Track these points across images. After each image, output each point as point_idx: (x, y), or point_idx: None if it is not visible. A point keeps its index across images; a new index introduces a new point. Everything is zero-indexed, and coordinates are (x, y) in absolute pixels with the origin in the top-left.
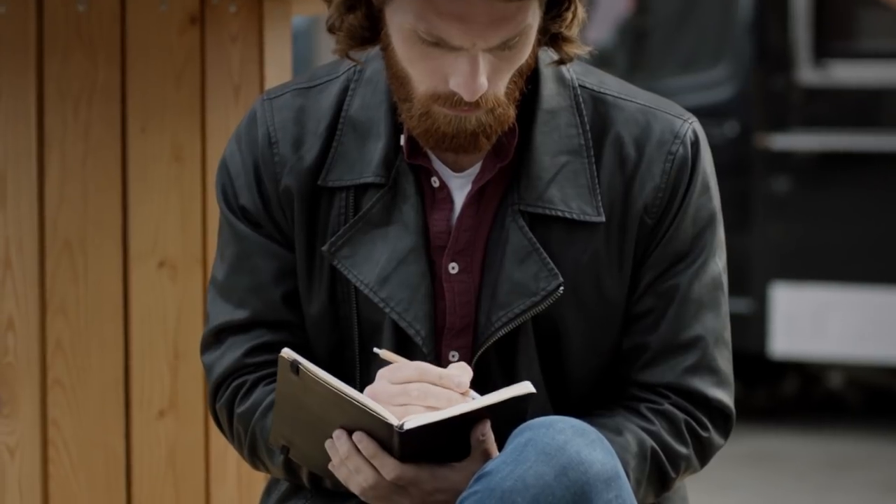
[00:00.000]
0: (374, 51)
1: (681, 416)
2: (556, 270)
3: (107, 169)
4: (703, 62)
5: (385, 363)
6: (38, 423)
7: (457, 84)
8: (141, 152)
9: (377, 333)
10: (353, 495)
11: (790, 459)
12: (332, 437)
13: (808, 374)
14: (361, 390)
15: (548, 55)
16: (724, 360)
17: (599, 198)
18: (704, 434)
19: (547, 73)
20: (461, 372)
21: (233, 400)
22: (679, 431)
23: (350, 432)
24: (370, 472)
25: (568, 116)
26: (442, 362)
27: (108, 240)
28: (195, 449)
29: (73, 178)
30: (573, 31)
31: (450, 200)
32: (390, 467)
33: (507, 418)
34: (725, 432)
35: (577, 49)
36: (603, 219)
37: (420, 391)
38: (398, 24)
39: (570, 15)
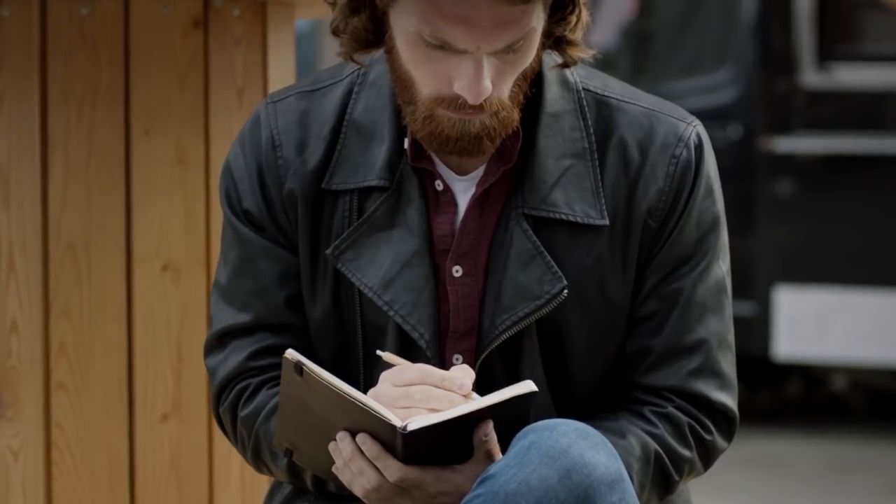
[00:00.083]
0: (378, 54)
1: (684, 419)
2: (560, 274)
3: (110, 171)
4: (706, 65)
5: (389, 366)
6: (42, 425)
7: (461, 87)
8: (144, 155)
9: (381, 337)
10: (356, 498)
11: (793, 462)
12: (335, 440)
13: (811, 376)
14: (365, 393)
15: (552, 58)
16: (728, 364)
17: (603, 201)
18: (708, 437)
19: (551, 77)
20: (463, 374)
21: (236, 403)
22: (682, 435)
23: (353, 434)
24: (373, 474)
25: (572, 120)
26: (446, 365)
27: (111, 242)
28: (198, 452)
29: (76, 179)
30: (577, 35)
31: (453, 203)
32: (393, 469)
33: (510, 418)
34: (729, 435)
35: (582, 52)
36: (607, 222)
37: (422, 394)
38: (402, 27)
39: (574, 18)
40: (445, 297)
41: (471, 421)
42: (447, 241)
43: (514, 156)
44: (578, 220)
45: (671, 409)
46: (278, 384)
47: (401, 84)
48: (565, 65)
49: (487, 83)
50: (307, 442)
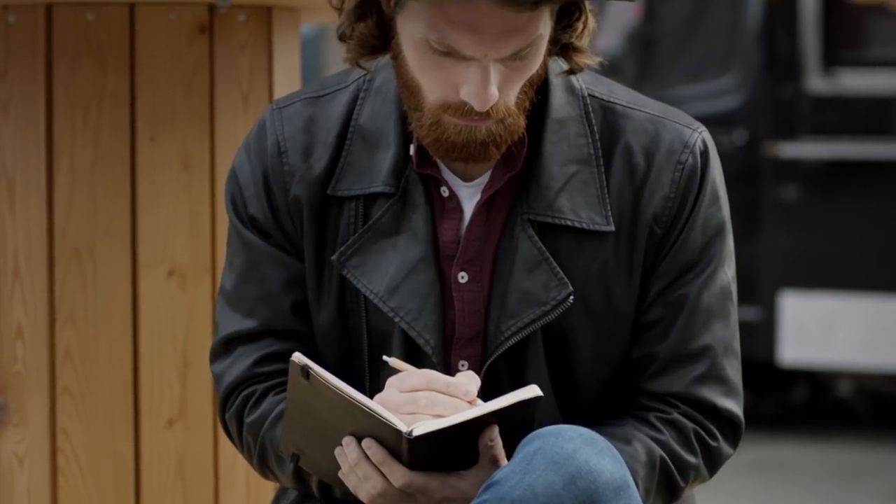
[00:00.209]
0: (384, 60)
1: (690, 425)
2: (566, 280)
3: (116, 176)
4: (711, 71)
5: (394, 371)
6: (47, 431)
7: (468, 94)
8: (150, 160)
9: (386, 343)
10: (362, 503)
11: (799, 468)
12: (341, 445)
13: (816, 382)
14: (371, 399)
15: (557, 65)
16: (733, 370)
17: (609, 207)
18: (713, 443)
19: (556, 83)
20: (469, 381)
21: (242, 409)
22: (688, 441)
23: (359, 439)
24: (379, 480)
25: (577, 126)
26: (451, 371)
27: (117, 248)
28: (204, 457)
29: (82, 185)
30: (584, 42)
31: (459, 210)
32: (399, 474)
33: (515, 424)
34: (734, 441)
35: (588, 59)
36: (612, 228)
37: (428, 399)
38: (409, 34)
39: (580, 25)
40: (451, 303)
41: (476, 426)
42: (452, 248)
43: (519, 162)
44: (584, 226)
45: (676, 416)
46: (284, 390)
47: (407, 90)
48: (571, 71)
49: (494, 90)
50: (313, 447)
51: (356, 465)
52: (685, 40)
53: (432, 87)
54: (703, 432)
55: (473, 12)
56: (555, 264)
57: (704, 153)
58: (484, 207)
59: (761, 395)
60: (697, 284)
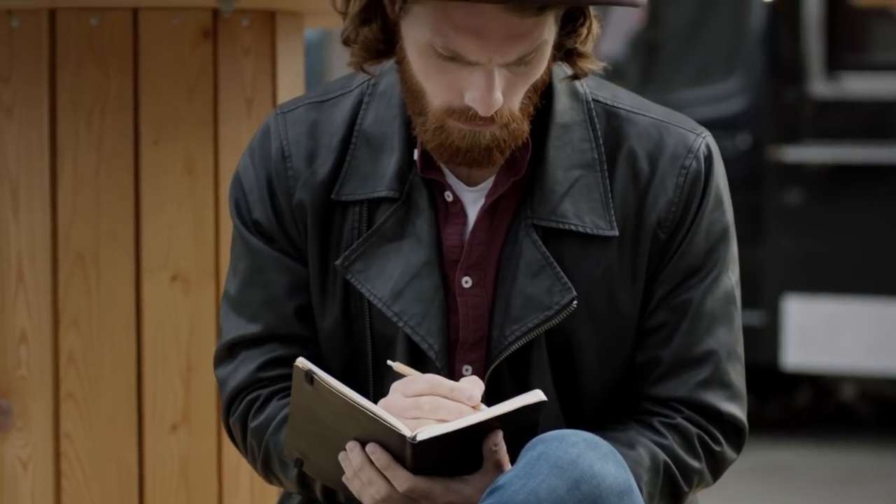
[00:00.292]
0: (388, 64)
1: (693, 430)
2: (570, 284)
3: (119, 180)
4: (715, 74)
5: (398, 376)
6: (51, 436)
7: (472, 99)
8: (154, 165)
9: (391, 347)
10: None
11: (802, 472)
12: (345, 450)
13: (820, 386)
14: (374, 404)
15: (561, 70)
16: (737, 375)
17: (613, 212)
18: (717, 448)
19: (560, 88)
20: (473, 385)
21: (246, 414)
22: (692, 445)
23: (363, 444)
24: (383, 485)
25: (581, 131)
26: (455, 376)
27: (120, 252)
28: (208, 462)
29: (85, 189)
30: (588, 47)
31: (463, 214)
32: (403, 479)
33: (519, 428)
34: (738, 446)
35: (592, 64)
36: (616, 233)
37: (432, 404)
38: (414, 38)
39: (585, 30)
40: (455, 307)
41: (480, 431)
42: (457, 252)
43: (523, 167)
44: (588, 230)
45: (680, 420)
46: (288, 395)
47: (411, 95)
48: (575, 76)
49: (498, 95)
50: (317, 452)
51: (360, 469)
52: (688, 44)
53: (437, 91)
54: (706, 437)
55: (478, 17)
56: (558, 269)
57: (708, 158)
58: (488, 212)
59: (764, 399)
60: (701, 289)
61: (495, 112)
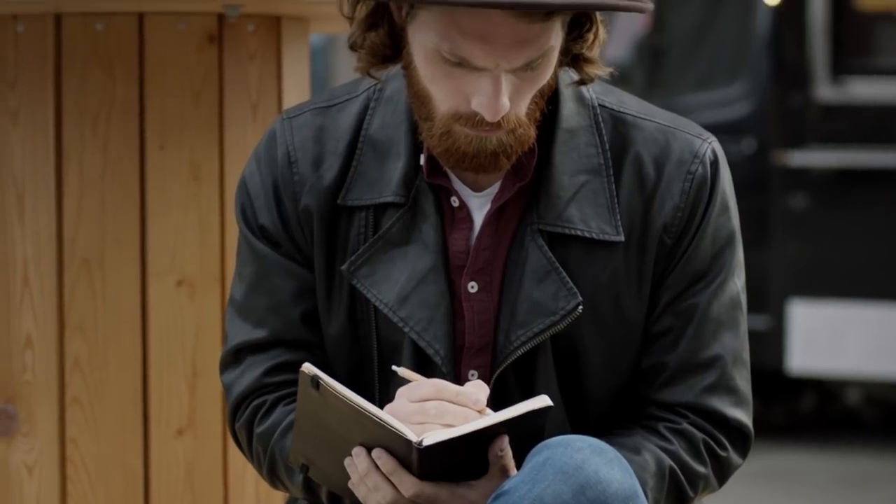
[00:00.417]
0: (395, 69)
1: (699, 435)
2: (576, 290)
3: (125, 184)
4: (720, 79)
5: (404, 381)
6: (57, 441)
7: (479, 104)
8: (159, 169)
9: (396, 353)
10: None
11: (807, 476)
12: (351, 455)
13: (825, 390)
14: (380, 409)
15: (568, 75)
16: (743, 380)
17: (619, 217)
18: (723, 453)
19: (567, 93)
20: (478, 390)
21: (252, 420)
22: (697, 451)
23: (369, 450)
24: (389, 490)
25: (587, 136)
26: (461, 381)
27: (126, 257)
28: (213, 467)
29: (91, 194)
30: (594, 52)
31: (469, 220)
32: (409, 484)
33: (524, 433)
34: (744, 451)
35: (598, 70)
36: (622, 238)
37: (437, 409)
38: (421, 43)
39: (591, 36)
40: (461, 313)
41: (486, 436)
42: (462, 258)
43: (529, 172)
44: (594, 236)
45: (686, 426)
46: (294, 401)
47: (418, 100)
48: (582, 82)
49: (505, 100)
50: (323, 457)
51: (366, 475)
52: (694, 49)
53: (443, 97)
54: (712, 442)
55: (485, 23)
56: (564, 274)
57: (714, 163)
58: (494, 217)
59: (770, 403)
60: (707, 294)
61: (502, 117)
